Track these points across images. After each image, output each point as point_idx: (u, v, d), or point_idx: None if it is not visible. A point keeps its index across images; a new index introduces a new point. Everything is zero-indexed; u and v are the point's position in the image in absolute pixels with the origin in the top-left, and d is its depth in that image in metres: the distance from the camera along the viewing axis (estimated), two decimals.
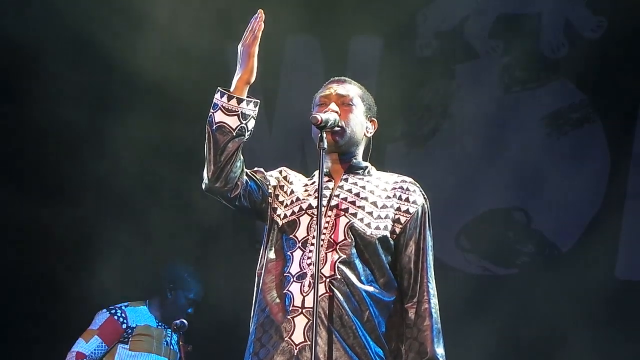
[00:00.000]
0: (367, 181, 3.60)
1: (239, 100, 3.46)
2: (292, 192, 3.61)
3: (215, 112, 3.46)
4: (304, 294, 3.40)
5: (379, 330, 3.45)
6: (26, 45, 6.63)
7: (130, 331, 5.78)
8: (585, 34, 6.52)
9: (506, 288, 6.49)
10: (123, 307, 5.85)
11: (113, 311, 5.81)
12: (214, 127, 3.44)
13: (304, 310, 3.39)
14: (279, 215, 3.56)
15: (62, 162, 6.84)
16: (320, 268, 3.39)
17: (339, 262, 3.43)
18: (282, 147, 6.81)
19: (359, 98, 3.65)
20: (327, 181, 3.56)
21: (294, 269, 3.46)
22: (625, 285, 6.28)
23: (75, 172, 6.85)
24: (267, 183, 3.61)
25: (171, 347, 5.80)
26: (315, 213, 3.47)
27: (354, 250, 3.46)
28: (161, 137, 6.84)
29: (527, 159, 6.51)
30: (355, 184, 3.58)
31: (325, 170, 3.54)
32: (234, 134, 3.44)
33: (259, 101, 3.51)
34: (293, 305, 3.41)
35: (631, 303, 6.20)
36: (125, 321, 5.78)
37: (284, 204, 3.58)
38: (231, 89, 3.48)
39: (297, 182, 3.65)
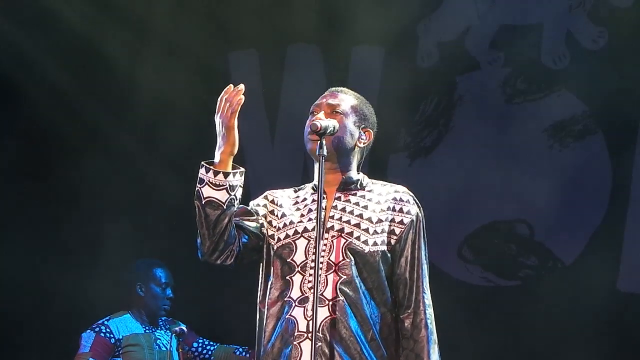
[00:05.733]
0: (361, 196, 3.58)
1: (226, 175, 3.43)
2: (283, 215, 3.59)
3: (202, 187, 3.43)
4: (308, 319, 3.41)
5: (383, 349, 3.46)
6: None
7: (119, 344, 5.64)
8: (587, 44, 6.51)
9: (508, 300, 6.49)
10: (105, 322, 5.70)
11: (97, 329, 5.64)
12: (203, 202, 3.42)
13: (309, 335, 3.39)
14: (273, 239, 3.56)
15: (62, 165, 6.87)
16: (321, 291, 3.40)
17: (340, 284, 3.44)
18: (284, 162, 6.81)
19: (351, 107, 3.61)
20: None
21: (295, 293, 3.46)
22: (628, 298, 6.27)
23: (74, 176, 6.87)
24: (257, 218, 3.60)
25: (165, 348, 5.75)
26: (312, 236, 3.48)
27: (353, 270, 3.46)
28: (159, 142, 6.86)
29: (529, 170, 6.50)
30: (349, 201, 3.56)
31: (317, 182, 3.50)
32: (225, 207, 3.42)
33: (244, 170, 3.49)
34: (298, 331, 3.41)
35: (633, 316, 6.20)
36: (111, 335, 5.64)
37: (277, 228, 3.57)
38: (215, 162, 3.45)
39: (286, 202, 3.63)
